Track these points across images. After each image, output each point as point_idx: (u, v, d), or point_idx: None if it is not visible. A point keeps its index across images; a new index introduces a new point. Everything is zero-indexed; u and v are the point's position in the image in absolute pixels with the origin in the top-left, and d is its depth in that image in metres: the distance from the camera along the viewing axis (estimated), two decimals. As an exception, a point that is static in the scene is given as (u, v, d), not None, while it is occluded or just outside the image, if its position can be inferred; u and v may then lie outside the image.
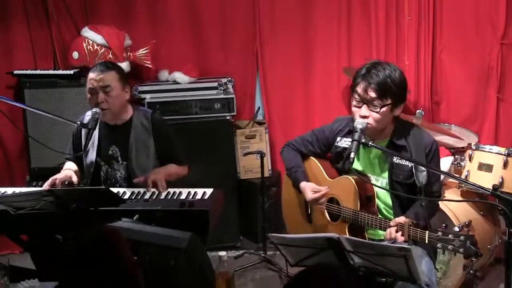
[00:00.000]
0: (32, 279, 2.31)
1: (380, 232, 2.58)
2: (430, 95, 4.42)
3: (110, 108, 3.05)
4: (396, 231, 2.41)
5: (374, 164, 2.70)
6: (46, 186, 3.03)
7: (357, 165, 2.71)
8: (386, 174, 2.65)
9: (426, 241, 2.29)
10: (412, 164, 2.56)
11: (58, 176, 3.03)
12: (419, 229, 2.33)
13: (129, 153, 3.13)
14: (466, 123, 4.30)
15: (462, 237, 2.20)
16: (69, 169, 3.17)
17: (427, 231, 2.29)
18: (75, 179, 3.06)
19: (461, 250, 2.20)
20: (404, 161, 2.60)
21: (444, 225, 2.30)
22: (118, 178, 3.16)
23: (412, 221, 2.38)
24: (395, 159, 2.62)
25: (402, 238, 2.39)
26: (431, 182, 2.60)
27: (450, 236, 2.22)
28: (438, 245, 2.24)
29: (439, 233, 2.25)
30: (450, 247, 2.22)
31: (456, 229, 2.26)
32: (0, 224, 2.74)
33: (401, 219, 2.45)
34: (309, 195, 2.77)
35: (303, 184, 2.83)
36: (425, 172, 2.51)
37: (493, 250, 3.58)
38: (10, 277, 2.33)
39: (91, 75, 3.04)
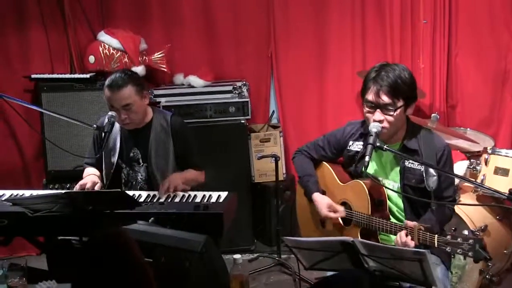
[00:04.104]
0: (49, 281, 2.34)
1: (393, 237, 2.57)
2: (445, 99, 4.40)
3: (134, 122, 3.09)
4: (406, 235, 2.41)
5: (386, 168, 2.70)
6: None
7: (369, 169, 2.69)
8: (397, 178, 2.64)
9: (436, 245, 2.28)
10: (424, 169, 2.54)
11: (87, 185, 3.03)
12: (428, 233, 2.32)
13: (148, 155, 3.16)
14: (481, 127, 4.27)
15: (471, 241, 2.19)
16: (94, 175, 3.18)
17: (436, 235, 2.28)
18: (98, 186, 3.07)
19: (470, 253, 2.19)
20: (416, 165, 2.59)
21: (453, 228, 2.29)
22: (139, 180, 3.20)
23: (422, 225, 2.37)
24: (407, 163, 2.61)
25: (413, 243, 2.38)
26: (443, 187, 2.58)
27: (459, 239, 2.21)
28: (447, 248, 2.23)
29: (448, 237, 2.24)
30: (459, 250, 2.20)
31: (466, 232, 2.24)
32: (17, 226, 2.79)
33: (412, 223, 2.43)
34: (324, 211, 2.76)
35: (317, 196, 2.82)
36: (435, 177, 2.48)
37: (509, 255, 3.55)
38: (27, 278, 2.36)
39: (108, 93, 3.02)
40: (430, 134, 2.67)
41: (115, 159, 3.19)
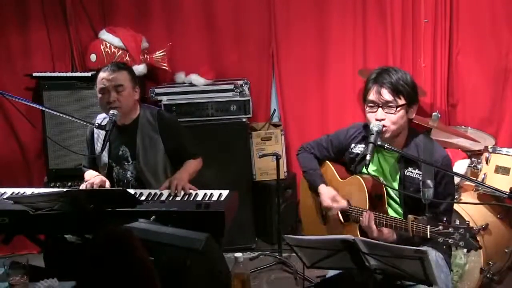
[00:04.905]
0: (51, 279, 2.34)
1: None
2: (446, 98, 4.41)
3: (121, 107, 3.06)
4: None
5: (385, 176, 2.69)
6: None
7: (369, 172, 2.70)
8: (396, 186, 2.65)
9: (428, 236, 2.28)
10: (422, 179, 2.55)
11: (95, 181, 3.03)
12: (421, 224, 2.32)
13: (137, 152, 3.15)
14: (483, 126, 4.28)
15: (461, 230, 2.20)
16: (100, 175, 3.17)
17: (428, 226, 2.29)
18: (108, 184, 3.08)
19: (461, 243, 2.19)
20: (415, 174, 2.59)
21: (444, 219, 2.30)
22: (129, 178, 3.18)
23: (415, 217, 2.38)
24: (406, 172, 2.62)
25: (376, 233, 2.45)
26: (439, 199, 2.56)
27: (450, 229, 2.22)
28: (439, 239, 2.24)
29: (440, 227, 2.25)
30: (450, 240, 2.21)
31: (457, 222, 2.25)
32: (18, 224, 2.78)
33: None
34: (327, 202, 2.78)
35: (322, 188, 2.83)
36: (432, 189, 2.51)
37: (510, 253, 3.55)
38: (29, 276, 2.36)
39: (102, 74, 3.06)
40: (431, 144, 2.65)
41: (106, 159, 3.18)
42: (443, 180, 2.57)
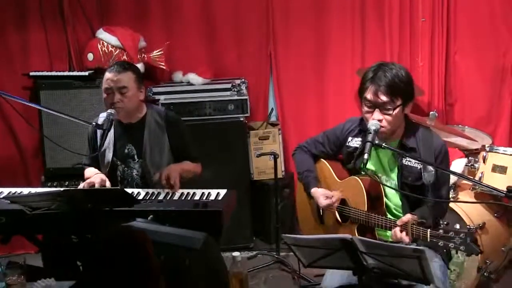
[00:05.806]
0: (48, 278, 2.34)
1: (389, 232, 2.58)
2: (443, 97, 4.41)
3: (124, 108, 3.07)
4: (401, 231, 2.42)
5: (384, 165, 2.71)
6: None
7: (367, 166, 2.70)
8: (395, 175, 2.66)
9: (428, 239, 2.29)
10: (421, 166, 2.57)
11: (96, 180, 3.02)
12: (421, 227, 2.32)
13: (143, 151, 3.16)
14: (480, 125, 4.28)
15: (462, 234, 2.20)
16: (99, 173, 3.16)
17: (428, 229, 2.29)
18: (108, 183, 3.06)
19: (461, 247, 2.19)
20: (413, 163, 2.60)
21: (445, 222, 2.30)
22: (135, 177, 3.19)
23: (415, 220, 2.38)
24: (404, 161, 2.62)
25: (408, 239, 2.39)
26: (439, 185, 2.59)
27: (450, 233, 2.22)
28: (440, 243, 2.24)
29: (441, 231, 2.25)
30: (451, 245, 2.21)
31: (457, 226, 2.25)
32: (16, 224, 2.77)
33: (407, 217, 2.44)
34: (322, 201, 2.78)
35: (314, 190, 2.84)
36: (433, 171, 2.53)
37: (507, 252, 3.56)
38: (26, 276, 2.36)
39: (108, 75, 3.07)
40: (429, 133, 2.67)
41: (110, 157, 3.19)
42: (440, 166, 2.58)
